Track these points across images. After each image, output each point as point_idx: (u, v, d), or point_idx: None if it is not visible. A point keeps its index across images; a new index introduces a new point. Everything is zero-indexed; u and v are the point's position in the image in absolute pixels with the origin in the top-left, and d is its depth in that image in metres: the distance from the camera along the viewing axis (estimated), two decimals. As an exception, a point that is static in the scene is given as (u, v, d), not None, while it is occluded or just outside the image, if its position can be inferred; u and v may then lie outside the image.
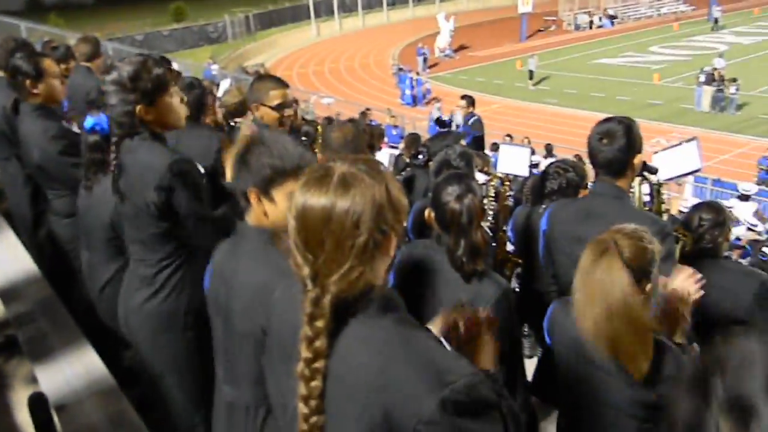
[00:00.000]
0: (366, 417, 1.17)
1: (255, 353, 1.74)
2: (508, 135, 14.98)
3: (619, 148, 2.40)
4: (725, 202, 8.51)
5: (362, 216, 1.20)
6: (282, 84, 3.13)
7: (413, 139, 6.73)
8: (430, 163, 3.61)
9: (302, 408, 1.22)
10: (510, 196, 3.74)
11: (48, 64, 3.43)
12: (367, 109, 17.42)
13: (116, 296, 2.68)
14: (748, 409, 0.85)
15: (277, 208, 1.77)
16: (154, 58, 2.40)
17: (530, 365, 2.98)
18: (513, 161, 3.85)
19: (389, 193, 1.24)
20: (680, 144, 3.05)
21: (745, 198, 10.06)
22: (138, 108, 2.29)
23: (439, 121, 12.38)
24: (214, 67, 24.59)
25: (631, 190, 2.70)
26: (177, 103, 2.42)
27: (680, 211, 8.18)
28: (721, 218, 2.83)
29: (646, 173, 2.82)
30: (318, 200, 1.21)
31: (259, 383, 1.72)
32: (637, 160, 2.46)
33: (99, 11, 44.56)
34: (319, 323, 1.21)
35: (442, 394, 1.11)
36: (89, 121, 2.87)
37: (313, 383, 1.21)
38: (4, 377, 3.08)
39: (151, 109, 2.33)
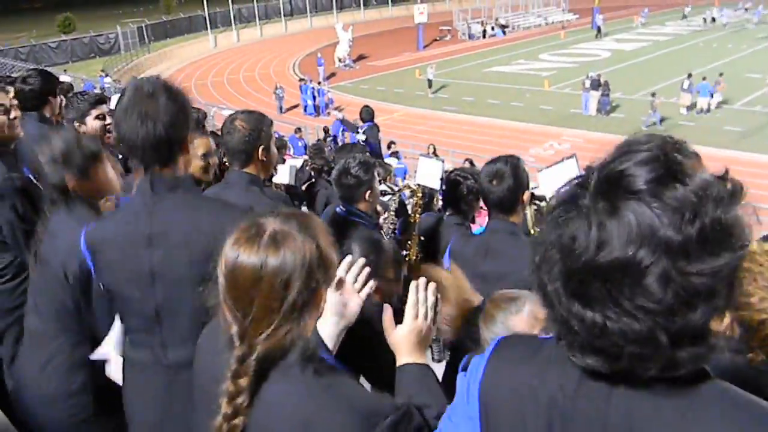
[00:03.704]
0: None
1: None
2: (432, 145, 15.10)
3: (507, 188, 2.57)
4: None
5: (292, 275, 1.21)
6: (205, 133, 3.15)
7: (317, 149, 6.80)
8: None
9: None
10: (420, 206, 3.82)
11: None
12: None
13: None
14: None
15: None
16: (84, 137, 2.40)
17: (438, 369, 3.08)
18: (428, 174, 3.94)
19: (320, 249, 1.26)
20: (561, 161, 3.25)
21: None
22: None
23: (344, 122, 12.51)
24: (107, 79, 23.67)
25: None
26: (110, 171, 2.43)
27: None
28: None
29: (536, 202, 2.99)
30: (248, 258, 1.21)
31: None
32: (526, 195, 2.64)
33: (-23, 22, 41.61)
34: (243, 381, 1.21)
35: None
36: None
37: None
38: None
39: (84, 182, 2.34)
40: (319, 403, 1.20)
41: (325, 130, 16.25)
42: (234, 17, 43.53)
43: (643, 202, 0.79)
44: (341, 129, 14.21)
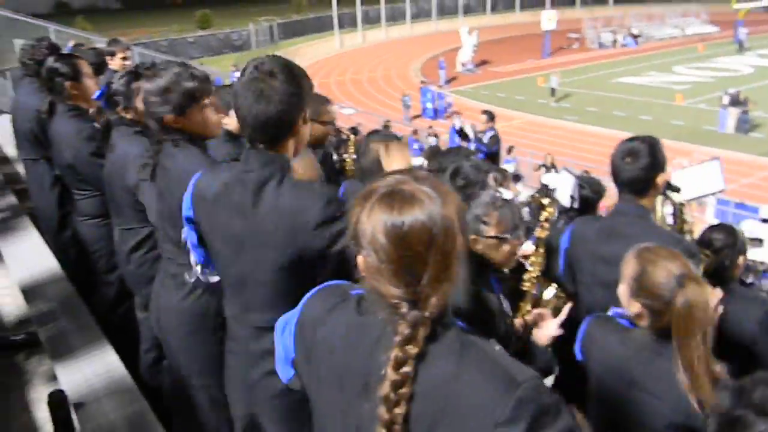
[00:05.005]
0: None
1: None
2: (550, 155, 14.68)
3: (642, 167, 2.40)
4: (744, 225, 8.40)
5: (455, 228, 1.17)
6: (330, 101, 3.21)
7: (434, 152, 6.76)
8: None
9: None
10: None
11: (83, 65, 3.50)
12: (388, 121, 17.51)
13: (144, 262, 2.80)
14: None
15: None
16: (190, 71, 2.45)
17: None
18: (559, 189, 3.82)
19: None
20: (702, 164, 3.02)
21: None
22: (167, 117, 2.37)
23: (460, 133, 12.41)
24: (237, 74, 24.85)
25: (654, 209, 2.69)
26: (208, 115, 2.48)
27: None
28: (732, 240, 2.78)
29: (669, 192, 2.79)
30: (414, 217, 1.15)
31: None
32: (661, 179, 2.45)
33: (125, 16, 45.21)
34: (412, 347, 1.16)
35: (517, 393, 1.11)
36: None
37: (397, 409, 1.15)
38: (25, 374, 3.13)
39: (180, 119, 2.39)
40: (467, 364, 1.17)
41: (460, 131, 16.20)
42: (361, 19, 44.49)
43: None
44: (456, 135, 14.13)
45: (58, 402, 2.57)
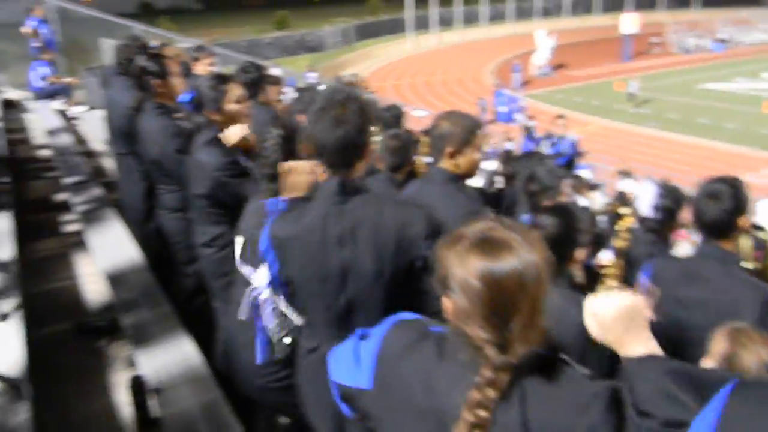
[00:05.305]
0: None
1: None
2: (625, 163, 14.21)
3: (724, 210, 2.35)
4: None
5: (545, 271, 1.21)
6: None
7: (508, 156, 6.67)
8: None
9: None
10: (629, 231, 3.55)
11: (171, 64, 3.65)
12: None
13: (217, 257, 2.96)
14: None
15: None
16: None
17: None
18: (640, 198, 3.71)
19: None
20: None
21: None
22: None
23: (529, 135, 12.21)
24: (313, 74, 25.23)
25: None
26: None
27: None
28: None
29: (754, 232, 2.69)
30: (506, 264, 1.19)
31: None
32: (744, 221, 2.39)
33: (207, 16, 46.67)
34: (492, 392, 1.19)
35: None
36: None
37: None
38: (106, 358, 3.26)
39: None
40: (541, 410, 1.19)
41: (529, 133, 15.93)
42: (438, 20, 44.39)
43: None
44: (529, 139, 13.90)
45: (138, 386, 2.68)
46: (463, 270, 1.21)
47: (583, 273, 2.44)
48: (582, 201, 3.80)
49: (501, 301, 1.19)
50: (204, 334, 3.08)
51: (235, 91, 3.10)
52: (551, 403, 1.19)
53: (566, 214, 2.33)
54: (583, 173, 10.16)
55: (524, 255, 1.19)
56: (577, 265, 2.33)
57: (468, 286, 1.20)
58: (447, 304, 1.25)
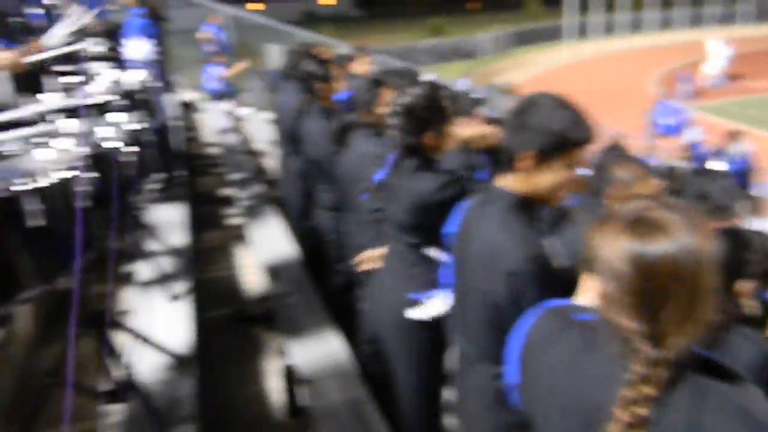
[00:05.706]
0: None
1: (483, 313, 1.83)
2: None
3: None
4: None
5: (708, 258, 1.09)
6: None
7: (676, 173, 6.30)
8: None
9: None
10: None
11: (334, 69, 3.81)
12: (617, 138, 16.54)
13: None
14: None
15: (549, 176, 1.72)
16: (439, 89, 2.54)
17: None
18: None
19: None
20: None
21: None
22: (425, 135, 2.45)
23: (696, 151, 11.41)
24: (464, 81, 25.20)
25: None
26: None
27: None
28: None
29: None
30: (662, 247, 1.08)
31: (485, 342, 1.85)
32: None
33: (366, 23, 48.30)
34: (648, 389, 1.08)
35: None
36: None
37: None
38: (260, 346, 3.45)
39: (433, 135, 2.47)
40: (712, 414, 1.07)
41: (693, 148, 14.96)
42: (599, 27, 42.75)
43: None
44: (698, 155, 13.00)
45: (291, 375, 2.81)
46: (611, 252, 1.12)
47: (757, 304, 2.20)
48: (758, 224, 3.47)
49: (652, 289, 1.08)
50: (347, 332, 3.16)
51: (387, 96, 3.15)
52: (729, 411, 1.07)
53: (737, 239, 2.09)
54: (762, 190, 9.26)
55: (682, 238, 1.07)
56: (746, 297, 2.10)
57: (616, 270, 1.11)
58: (594, 287, 1.17)
